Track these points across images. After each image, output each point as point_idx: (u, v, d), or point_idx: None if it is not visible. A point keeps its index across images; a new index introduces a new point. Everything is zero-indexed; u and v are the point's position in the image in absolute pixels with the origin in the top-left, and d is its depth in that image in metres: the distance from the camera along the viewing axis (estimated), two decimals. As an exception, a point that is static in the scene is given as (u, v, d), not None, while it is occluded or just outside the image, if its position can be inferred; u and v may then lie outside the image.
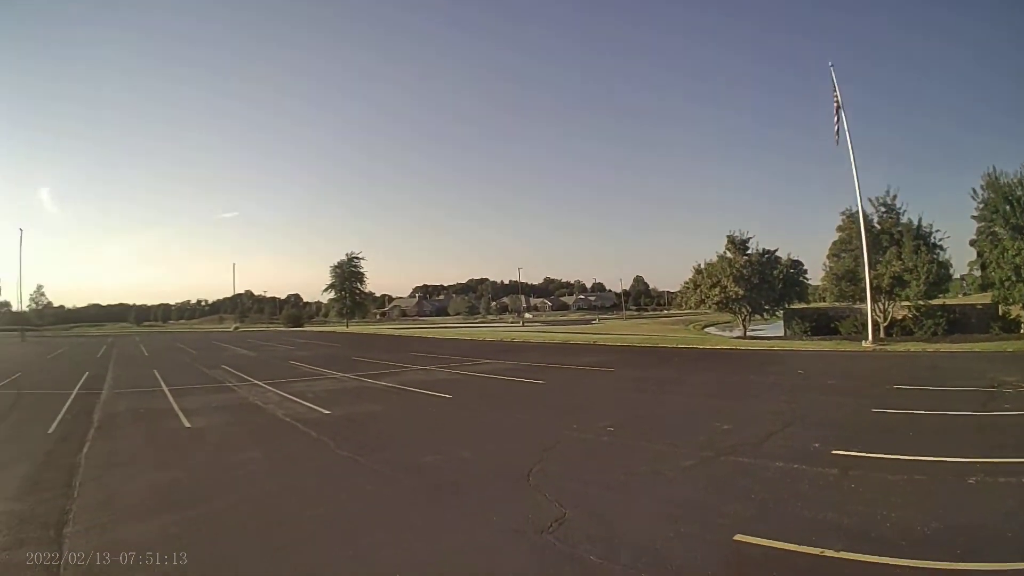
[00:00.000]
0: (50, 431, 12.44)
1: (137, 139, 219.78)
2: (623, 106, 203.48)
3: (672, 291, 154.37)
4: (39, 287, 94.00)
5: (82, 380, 22.28)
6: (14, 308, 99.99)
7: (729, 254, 39.62)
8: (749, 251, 39.22)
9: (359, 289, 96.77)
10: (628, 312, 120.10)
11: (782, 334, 37.14)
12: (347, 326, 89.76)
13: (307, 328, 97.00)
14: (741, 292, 37.20)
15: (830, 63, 27.95)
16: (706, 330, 47.26)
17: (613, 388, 17.07)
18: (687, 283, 42.83)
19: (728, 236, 40.25)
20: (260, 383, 19.86)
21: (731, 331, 47.08)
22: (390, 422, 12.72)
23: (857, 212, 28.97)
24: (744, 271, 37.23)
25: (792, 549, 4.92)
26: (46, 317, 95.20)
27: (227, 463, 9.50)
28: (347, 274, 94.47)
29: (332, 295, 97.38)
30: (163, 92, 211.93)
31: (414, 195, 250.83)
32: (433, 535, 5.79)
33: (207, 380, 21.74)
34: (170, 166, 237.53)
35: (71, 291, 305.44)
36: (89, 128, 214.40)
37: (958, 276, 43.45)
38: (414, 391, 16.65)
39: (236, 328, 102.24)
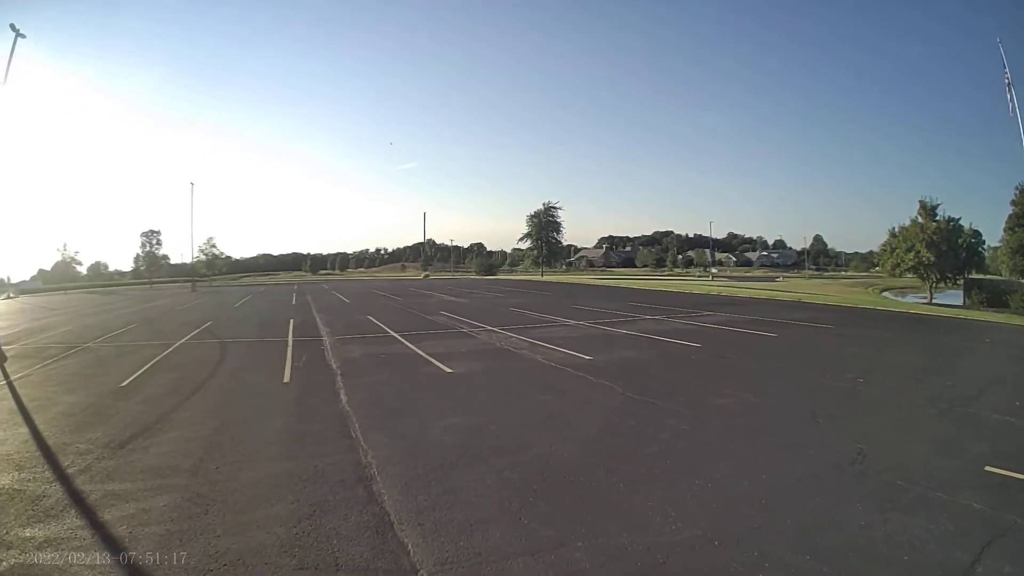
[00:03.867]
0: (286, 380, 11.62)
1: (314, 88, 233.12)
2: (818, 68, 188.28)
3: (848, 252, 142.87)
4: (210, 239, 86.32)
5: (290, 328, 20.67)
6: (173, 260, 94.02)
7: (920, 219, 37.65)
8: (937, 218, 37.04)
9: (555, 239, 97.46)
10: (809, 271, 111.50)
11: (961, 303, 33.37)
12: (541, 275, 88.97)
13: (500, 277, 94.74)
14: (932, 258, 35.72)
15: (998, 40, 26.75)
16: (883, 294, 43.33)
17: (840, 344, 16.66)
18: (884, 245, 41.20)
19: (920, 202, 38.47)
20: (493, 329, 19.12)
21: (904, 296, 43.16)
22: (658, 368, 12.52)
23: None
24: (934, 237, 35.63)
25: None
26: (215, 267, 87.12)
27: (520, 408, 9.25)
28: (543, 224, 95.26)
29: (528, 244, 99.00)
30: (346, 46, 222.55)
31: (600, 146, 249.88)
32: (766, 466, 6.40)
33: (433, 326, 20.48)
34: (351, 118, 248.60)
35: (239, 242, 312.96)
36: (264, 81, 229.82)
37: None
38: (660, 339, 16.65)
39: (426, 276, 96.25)
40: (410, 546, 4.64)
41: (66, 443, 7.61)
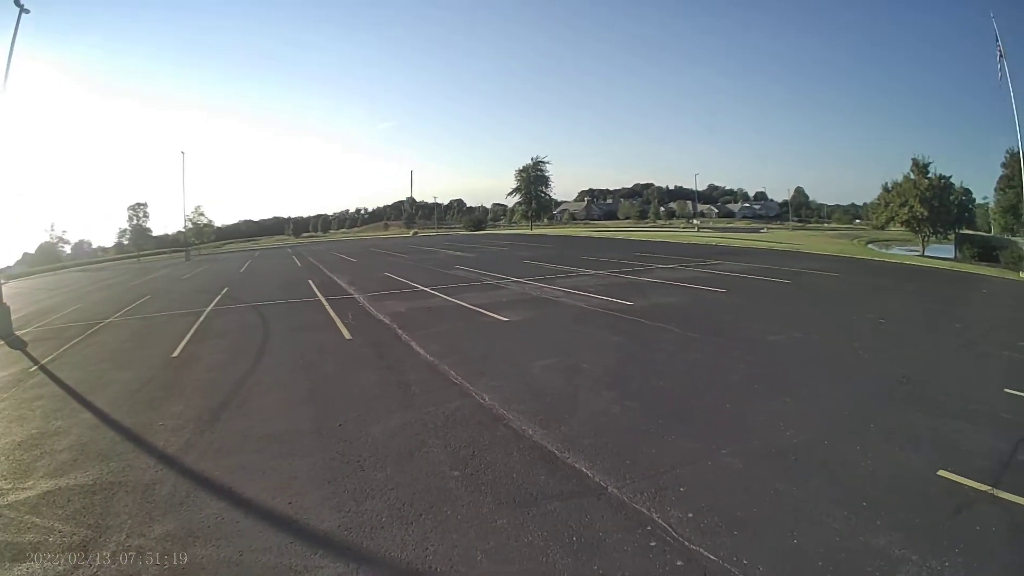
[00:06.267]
0: (348, 337, 11.93)
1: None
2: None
3: (829, 204, 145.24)
4: (197, 207, 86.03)
5: (313, 288, 20.70)
6: (155, 232, 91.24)
7: (913, 175, 39.61)
8: (929, 175, 38.84)
9: (544, 193, 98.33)
10: (792, 223, 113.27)
11: (952, 256, 35.45)
12: (531, 229, 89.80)
13: (489, 232, 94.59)
14: (925, 212, 37.71)
15: (991, 14, 27.47)
16: (868, 246, 45.23)
17: (853, 290, 17.98)
18: (879, 199, 43.19)
19: (913, 159, 40.26)
20: (520, 280, 19.68)
21: (888, 248, 45.39)
22: (700, 311, 13.48)
23: (1018, 153, 28.56)
24: (927, 193, 37.58)
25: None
26: (205, 236, 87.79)
27: (599, 349, 9.97)
28: (532, 178, 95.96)
29: (517, 199, 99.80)
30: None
31: (578, 100, 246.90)
32: (835, 387, 7.77)
33: (458, 280, 20.73)
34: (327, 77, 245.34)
35: (219, 208, 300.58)
36: (238, 40, 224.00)
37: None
38: (686, 286, 17.66)
39: (415, 233, 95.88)
40: (583, 468, 5.34)
41: (147, 422, 7.20)
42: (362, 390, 8.17)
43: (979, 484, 4.91)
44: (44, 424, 7.54)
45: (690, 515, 4.50)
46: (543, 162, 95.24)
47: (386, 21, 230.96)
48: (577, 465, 5.43)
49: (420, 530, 4.40)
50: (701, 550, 4.03)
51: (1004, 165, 33.43)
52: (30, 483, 5.62)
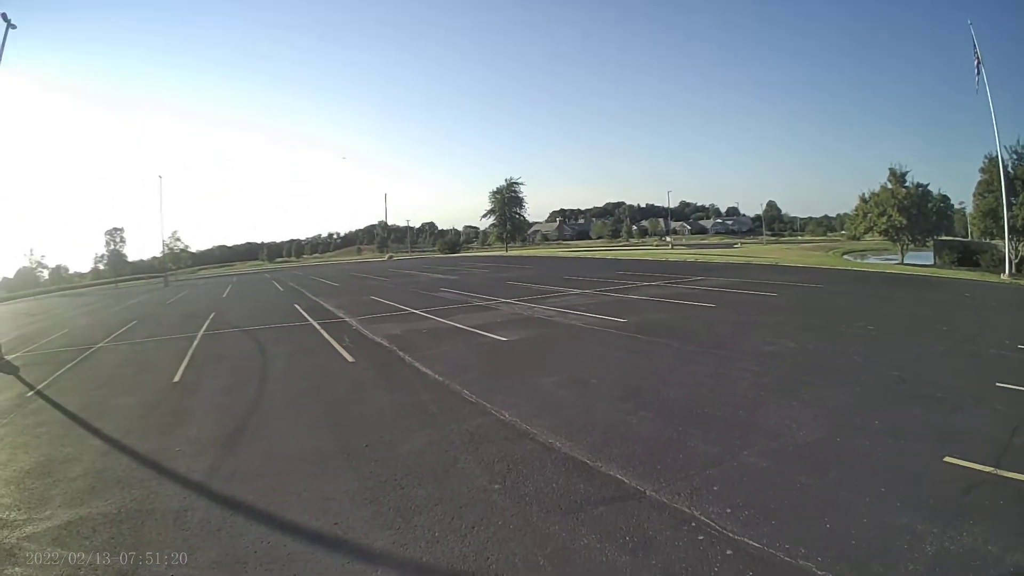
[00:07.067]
0: (351, 360, 12.05)
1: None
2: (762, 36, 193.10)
3: (802, 217, 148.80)
4: (174, 232, 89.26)
5: (302, 312, 21.06)
6: (130, 258, 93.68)
7: (890, 185, 41.16)
8: (907, 184, 40.57)
9: (519, 214, 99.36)
10: (766, 237, 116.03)
11: (931, 263, 37.22)
12: (507, 250, 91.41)
13: (464, 254, 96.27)
14: (904, 221, 39.40)
15: (968, 21, 29.44)
16: (844, 257, 46.53)
17: (838, 300, 18.83)
18: (856, 209, 44.76)
19: (890, 169, 42.13)
20: (508, 301, 20.10)
21: (864, 258, 47.12)
22: (694, 326, 13.88)
23: (997, 158, 30.40)
24: (905, 202, 39.31)
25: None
26: (181, 261, 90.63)
27: (604, 363, 10.36)
28: (507, 200, 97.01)
29: (491, 220, 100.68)
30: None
31: (546, 120, 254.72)
32: (836, 390, 8.31)
33: (446, 302, 21.20)
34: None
35: (193, 234, 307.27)
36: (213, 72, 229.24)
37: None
38: (674, 302, 18.33)
39: (390, 256, 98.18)
40: (618, 475, 5.65)
41: (162, 448, 7.14)
42: (378, 411, 8.31)
43: (983, 466, 5.43)
44: (52, 451, 7.45)
45: (728, 510, 4.88)
46: (517, 183, 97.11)
47: (351, 44, 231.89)
48: (612, 472, 5.72)
49: (477, 541, 4.54)
50: (745, 539, 4.40)
51: (982, 170, 34.88)
52: (47, 513, 5.44)
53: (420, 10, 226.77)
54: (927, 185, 41.46)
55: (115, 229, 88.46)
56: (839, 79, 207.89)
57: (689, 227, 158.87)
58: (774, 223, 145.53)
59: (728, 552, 4.26)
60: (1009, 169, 32.43)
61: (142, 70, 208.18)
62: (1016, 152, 33.47)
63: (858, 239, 46.46)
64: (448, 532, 4.69)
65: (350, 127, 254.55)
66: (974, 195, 36.42)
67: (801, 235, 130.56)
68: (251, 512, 5.21)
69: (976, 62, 28.31)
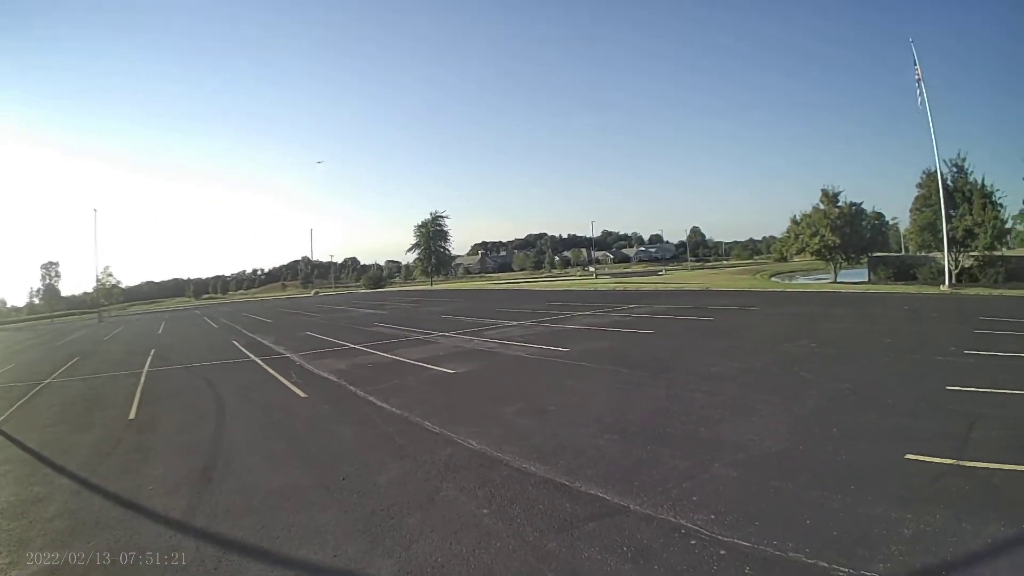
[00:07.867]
0: (303, 395, 12.01)
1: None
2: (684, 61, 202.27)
3: (727, 241, 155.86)
4: (106, 268, 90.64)
5: (242, 349, 21.19)
6: (63, 293, 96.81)
7: (823, 206, 43.05)
8: (840, 204, 42.43)
9: (443, 248, 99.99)
10: (691, 263, 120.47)
11: (866, 279, 39.61)
12: (431, 284, 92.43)
13: (389, 289, 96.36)
14: (837, 240, 41.13)
15: (910, 39, 32.47)
16: (772, 279, 49.20)
17: (777, 320, 19.82)
18: (787, 233, 47.09)
19: (823, 189, 44.02)
20: (447, 334, 20.59)
21: (792, 279, 50.05)
22: (638, 353, 14.27)
23: (936, 172, 32.42)
24: (838, 222, 41.01)
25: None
26: (113, 297, 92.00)
27: (558, 392, 10.51)
28: (432, 233, 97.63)
29: (416, 255, 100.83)
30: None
31: (466, 153, 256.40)
32: (789, 404, 8.82)
33: (384, 337, 21.56)
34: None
35: (125, 269, 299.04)
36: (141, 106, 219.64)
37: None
38: (612, 330, 19.02)
39: (316, 292, 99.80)
40: (599, 493, 5.86)
41: (133, 487, 7.04)
42: (345, 444, 8.36)
43: (944, 459, 6.07)
44: (20, 490, 7.31)
45: (712, 516, 5.22)
46: (442, 216, 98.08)
47: (273, 80, 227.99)
48: (592, 491, 5.94)
49: (481, 563, 4.65)
50: (735, 540, 4.75)
51: (920, 185, 37.82)
52: (30, 555, 5.28)
53: (331, 51, 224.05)
54: (861, 203, 43.48)
55: (51, 263, 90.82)
56: (765, 101, 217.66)
57: (612, 256, 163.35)
58: (699, 249, 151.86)
59: (722, 552, 4.60)
60: (948, 182, 35.15)
61: (70, 110, 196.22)
62: (956, 165, 36.30)
63: (786, 260, 48.78)
64: (450, 557, 4.78)
65: (273, 165, 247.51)
66: (911, 210, 39.30)
67: (726, 260, 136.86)
68: (244, 549, 5.18)
69: (917, 79, 30.70)
